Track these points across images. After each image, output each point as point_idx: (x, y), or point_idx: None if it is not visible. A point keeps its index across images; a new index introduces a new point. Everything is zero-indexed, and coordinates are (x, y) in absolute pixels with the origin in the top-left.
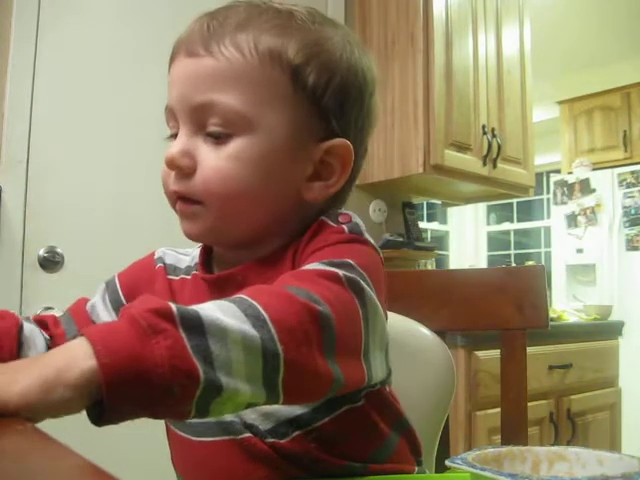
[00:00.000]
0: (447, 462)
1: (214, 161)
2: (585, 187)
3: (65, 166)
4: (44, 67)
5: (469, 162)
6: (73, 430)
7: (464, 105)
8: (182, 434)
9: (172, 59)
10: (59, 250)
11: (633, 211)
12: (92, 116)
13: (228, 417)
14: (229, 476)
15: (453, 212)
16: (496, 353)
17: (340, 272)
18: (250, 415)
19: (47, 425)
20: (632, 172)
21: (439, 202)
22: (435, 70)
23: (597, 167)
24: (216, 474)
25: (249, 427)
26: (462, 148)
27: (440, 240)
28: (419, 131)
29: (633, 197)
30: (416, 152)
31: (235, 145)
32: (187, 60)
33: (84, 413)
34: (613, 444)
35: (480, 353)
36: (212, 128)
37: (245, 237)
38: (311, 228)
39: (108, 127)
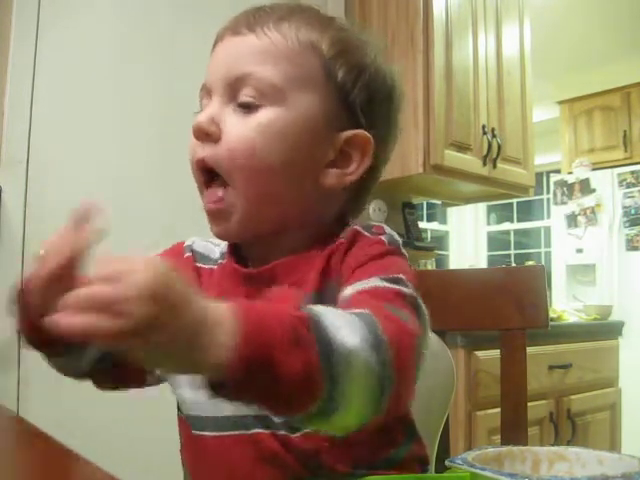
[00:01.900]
0: (447, 462)
1: (241, 129)
2: (585, 187)
3: (65, 166)
4: (44, 67)
5: (469, 162)
6: (73, 430)
7: (464, 105)
8: (196, 431)
9: (214, 45)
10: None
11: (633, 211)
12: (92, 116)
13: (242, 411)
14: (236, 473)
15: (453, 212)
16: (496, 353)
17: (401, 289)
18: None
19: (47, 425)
20: (632, 172)
21: (439, 202)
22: (435, 70)
23: (597, 167)
24: (223, 471)
25: (262, 419)
26: (462, 148)
27: (440, 240)
28: (419, 131)
29: (633, 197)
30: (416, 152)
31: (263, 115)
32: (231, 38)
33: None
34: (613, 444)
35: (480, 353)
36: (244, 98)
37: (272, 225)
38: (346, 237)
39: (108, 127)
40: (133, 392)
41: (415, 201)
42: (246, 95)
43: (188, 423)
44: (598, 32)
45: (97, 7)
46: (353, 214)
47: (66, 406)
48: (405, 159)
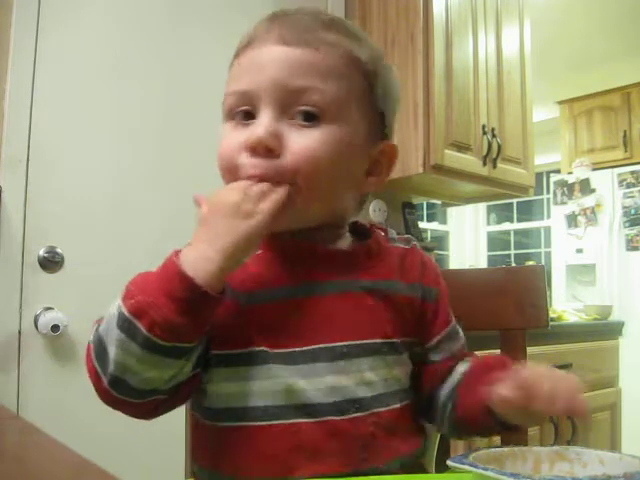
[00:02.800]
0: (448, 462)
1: (307, 142)
2: (585, 187)
3: (65, 166)
4: (44, 67)
5: (469, 162)
6: (73, 430)
7: (464, 105)
8: (244, 422)
9: (244, 51)
10: (59, 250)
11: (633, 211)
12: (92, 116)
13: (278, 400)
14: (274, 465)
15: (453, 212)
16: (496, 353)
17: None
18: (316, 389)
19: (47, 425)
20: (632, 172)
21: (439, 202)
22: (435, 70)
23: (597, 167)
24: (261, 462)
25: (308, 402)
26: (462, 148)
27: (440, 240)
28: (419, 131)
29: (633, 197)
30: (416, 152)
31: (325, 130)
32: (281, 48)
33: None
34: (613, 444)
35: (480, 353)
36: (305, 109)
37: (315, 223)
38: (404, 241)
39: (108, 127)
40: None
41: (415, 201)
42: (307, 108)
43: (220, 415)
44: (598, 32)
45: (97, 7)
46: (355, 213)
47: (66, 406)
48: (405, 159)
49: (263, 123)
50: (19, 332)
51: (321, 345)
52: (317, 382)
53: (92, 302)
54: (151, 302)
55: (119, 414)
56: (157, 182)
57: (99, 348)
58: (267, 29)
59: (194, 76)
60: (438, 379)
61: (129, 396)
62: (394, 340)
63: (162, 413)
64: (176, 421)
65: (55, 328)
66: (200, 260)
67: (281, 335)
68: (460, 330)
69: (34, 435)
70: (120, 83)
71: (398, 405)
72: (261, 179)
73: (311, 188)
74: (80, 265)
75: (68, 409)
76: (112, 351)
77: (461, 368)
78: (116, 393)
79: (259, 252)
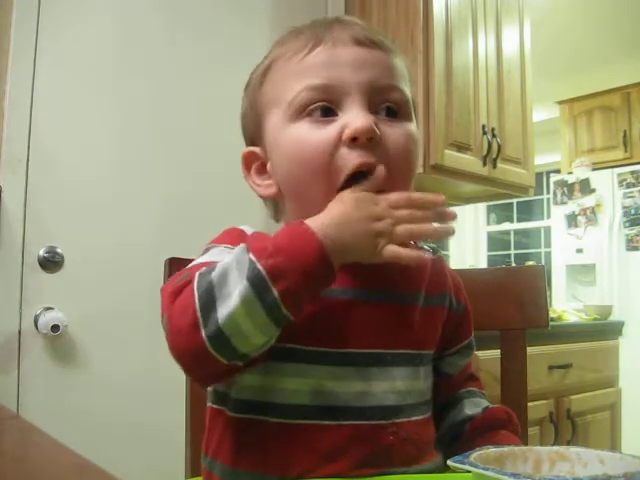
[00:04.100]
0: (449, 462)
1: (400, 133)
2: (585, 187)
3: (65, 166)
4: (44, 67)
5: (469, 162)
6: (73, 430)
7: (464, 105)
8: (265, 417)
9: (314, 47)
10: (59, 250)
11: (633, 211)
12: (92, 116)
13: (325, 399)
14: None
15: None
16: (496, 353)
17: None
18: (344, 393)
19: (47, 425)
20: (632, 172)
21: None
22: (435, 70)
23: (597, 167)
24: (283, 459)
25: (334, 404)
26: (462, 148)
27: (440, 240)
28: (419, 131)
29: (633, 197)
30: None
31: (409, 126)
32: (361, 48)
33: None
34: (613, 444)
35: (480, 353)
36: (388, 105)
37: None
38: (430, 251)
39: (108, 126)
40: (133, 393)
41: None
42: (390, 105)
43: (241, 407)
44: (598, 32)
45: (97, 7)
46: None
47: (66, 406)
48: None
49: (360, 115)
50: (19, 332)
51: (355, 349)
52: (346, 385)
53: (92, 302)
54: (293, 269)
55: (119, 414)
56: (157, 182)
57: (208, 295)
58: (330, 31)
59: (194, 76)
60: (444, 396)
61: (222, 355)
62: (426, 352)
63: (223, 381)
64: (176, 421)
65: (55, 328)
66: (339, 247)
67: (317, 335)
68: (474, 346)
69: (34, 435)
70: (120, 83)
71: (420, 417)
72: (367, 166)
73: (399, 179)
74: (80, 265)
75: (68, 409)
76: (231, 304)
77: (468, 410)
78: (211, 348)
79: None
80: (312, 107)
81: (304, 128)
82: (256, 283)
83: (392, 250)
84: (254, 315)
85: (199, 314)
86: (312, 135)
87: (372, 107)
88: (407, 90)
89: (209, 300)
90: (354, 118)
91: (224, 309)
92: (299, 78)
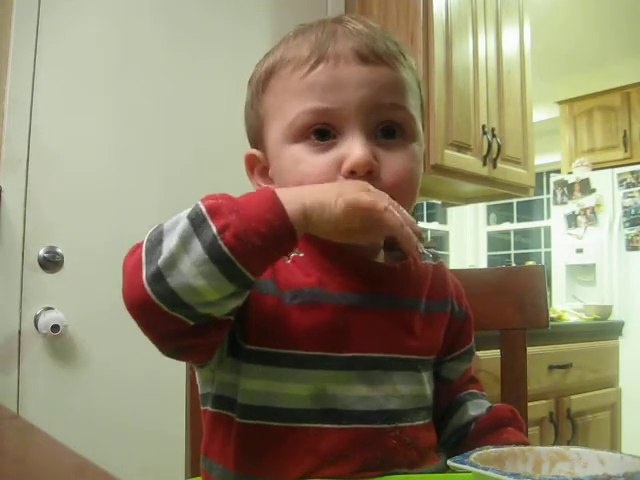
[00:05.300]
0: (449, 462)
1: (401, 161)
2: (585, 187)
3: (65, 166)
4: (44, 67)
5: (469, 162)
6: (73, 430)
7: (464, 105)
8: (267, 422)
9: (317, 64)
10: (59, 250)
11: (633, 211)
12: (92, 116)
13: (328, 403)
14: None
15: (453, 212)
16: (496, 353)
17: None
18: (347, 397)
19: (47, 425)
20: (632, 172)
21: (439, 202)
22: (435, 70)
23: (597, 167)
24: (284, 462)
25: (337, 408)
26: (462, 148)
27: (440, 240)
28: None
29: (633, 197)
30: None
31: (413, 149)
32: (362, 67)
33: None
34: (613, 444)
35: (480, 353)
36: (386, 125)
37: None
38: (432, 257)
39: (108, 126)
40: (133, 393)
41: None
42: (388, 124)
43: (243, 412)
44: (598, 32)
45: (97, 8)
46: None
47: (66, 406)
48: None
49: (359, 145)
50: (19, 332)
51: (358, 354)
52: (349, 389)
53: (92, 302)
54: (234, 209)
55: (119, 414)
56: (157, 182)
57: (154, 240)
58: (333, 41)
59: (194, 77)
60: (445, 401)
61: (162, 300)
62: (428, 358)
63: (183, 352)
64: (176, 421)
65: (55, 328)
66: (294, 198)
67: (320, 339)
68: (475, 351)
69: (34, 435)
70: (120, 83)
71: (422, 422)
72: None
73: (404, 204)
74: (80, 265)
75: (68, 409)
76: (171, 241)
77: (472, 411)
78: (150, 291)
79: (301, 254)
80: (311, 130)
81: (304, 152)
82: (195, 220)
83: (352, 197)
84: (192, 252)
85: (143, 256)
86: (310, 161)
87: (373, 129)
88: (413, 105)
89: (155, 243)
90: (353, 149)
91: (165, 246)
92: (300, 98)
